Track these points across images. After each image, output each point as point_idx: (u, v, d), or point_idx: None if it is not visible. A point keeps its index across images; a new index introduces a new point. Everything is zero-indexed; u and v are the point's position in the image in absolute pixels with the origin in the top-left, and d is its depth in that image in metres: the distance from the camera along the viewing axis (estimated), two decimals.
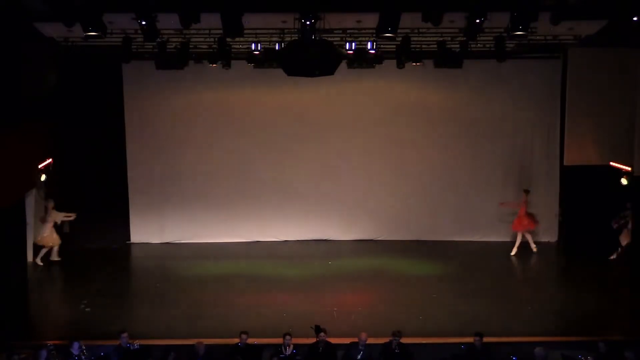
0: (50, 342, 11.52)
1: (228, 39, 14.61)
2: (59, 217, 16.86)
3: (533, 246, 17.27)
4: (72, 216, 17.10)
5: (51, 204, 16.75)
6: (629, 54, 16.09)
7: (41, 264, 16.61)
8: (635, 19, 11.25)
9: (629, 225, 16.22)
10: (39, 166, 16.42)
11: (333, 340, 11.56)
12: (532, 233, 17.46)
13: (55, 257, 16.87)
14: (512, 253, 17.24)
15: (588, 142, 17.08)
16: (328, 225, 18.65)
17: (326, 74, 11.84)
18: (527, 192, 17.38)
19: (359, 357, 11.30)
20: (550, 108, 18.02)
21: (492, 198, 17.82)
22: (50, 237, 16.70)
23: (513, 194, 18.09)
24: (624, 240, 16.33)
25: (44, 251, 16.73)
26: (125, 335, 11.37)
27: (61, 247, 16.94)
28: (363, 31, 14.41)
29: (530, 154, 18.36)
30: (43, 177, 16.59)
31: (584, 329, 12.82)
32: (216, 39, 14.74)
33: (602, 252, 16.59)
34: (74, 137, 17.76)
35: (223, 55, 15.56)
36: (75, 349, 11.07)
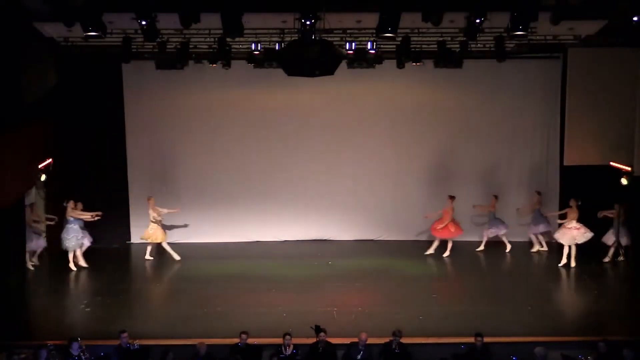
0: (50, 342, 11.51)
1: (228, 39, 14.61)
2: (164, 211, 17.02)
3: (449, 252, 17.21)
4: (176, 210, 17.31)
5: (152, 200, 16.88)
6: (629, 54, 16.13)
7: (151, 258, 16.84)
8: (635, 19, 11.23)
9: (567, 224, 16.18)
10: (39, 166, 16.42)
11: (333, 340, 11.56)
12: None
13: (175, 256, 16.87)
14: (445, 254, 17.19)
15: (588, 142, 17.12)
16: (328, 225, 18.65)
17: (326, 74, 11.81)
18: (452, 198, 17.27)
19: (359, 357, 11.30)
20: (550, 108, 18.02)
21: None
22: (155, 233, 16.82)
23: (513, 193, 18.11)
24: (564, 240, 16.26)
25: (150, 248, 16.92)
26: (125, 335, 11.37)
27: (61, 247, 16.94)
28: (363, 31, 14.41)
29: (530, 154, 18.35)
30: (43, 177, 16.60)
31: (584, 329, 12.82)
32: (216, 39, 14.73)
33: (602, 252, 16.61)
34: (74, 137, 17.77)
35: (223, 55, 15.56)
36: (75, 349, 11.06)
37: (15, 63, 15.04)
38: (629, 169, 15.97)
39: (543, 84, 17.97)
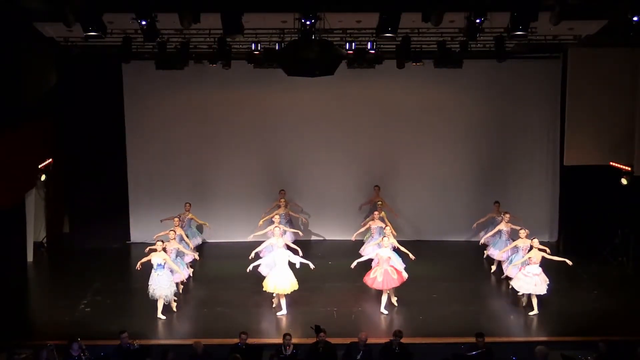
0: (50, 342, 11.52)
1: (228, 39, 14.61)
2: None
3: None
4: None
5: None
6: (629, 54, 16.13)
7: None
8: (635, 19, 11.23)
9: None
10: (39, 166, 16.42)
11: (333, 340, 11.57)
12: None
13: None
14: None
15: (588, 142, 17.10)
16: (328, 225, 18.65)
17: (326, 74, 11.82)
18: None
19: (359, 357, 11.30)
20: (550, 108, 18.01)
21: (492, 198, 17.77)
22: None
23: (513, 194, 18.10)
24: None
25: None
26: (125, 335, 11.37)
27: (61, 247, 16.95)
28: (363, 31, 14.41)
29: (530, 154, 18.35)
30: (43, 177, 16.60)
31: (584, 329, 12.84)
32: (216, 39, 14.74)
33: (602, 252, 16.61)
34: (74, 137, 17.79)
35: (223, 55, 15.54)
36: (75, 349, 11.07)
37: (15, 63, 15.05)
38: (629, 169, 15.98)
39: (543, 84, 17.95)
